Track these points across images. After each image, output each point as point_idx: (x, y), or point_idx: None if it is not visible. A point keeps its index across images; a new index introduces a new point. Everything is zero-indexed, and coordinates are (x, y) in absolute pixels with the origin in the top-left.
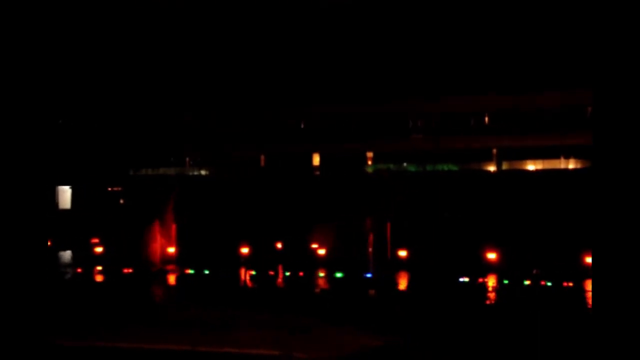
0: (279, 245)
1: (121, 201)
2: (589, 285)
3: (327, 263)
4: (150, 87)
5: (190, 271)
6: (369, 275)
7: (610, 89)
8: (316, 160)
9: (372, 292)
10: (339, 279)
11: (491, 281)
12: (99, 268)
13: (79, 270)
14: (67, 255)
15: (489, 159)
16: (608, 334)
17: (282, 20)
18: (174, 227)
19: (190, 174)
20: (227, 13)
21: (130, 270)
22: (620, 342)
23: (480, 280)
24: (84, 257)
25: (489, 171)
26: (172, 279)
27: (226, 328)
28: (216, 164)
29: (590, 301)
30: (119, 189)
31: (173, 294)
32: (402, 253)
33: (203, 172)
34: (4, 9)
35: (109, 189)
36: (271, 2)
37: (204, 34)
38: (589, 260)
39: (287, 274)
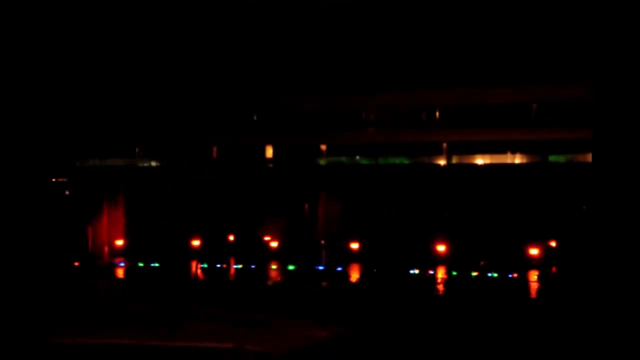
0: (231, 238)
1: (67, 193)
2: (532, 275)
3: (280, 255)
4: (97, 74)
5: (140, 264)
6: (321, 267)
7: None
8: (269, 152)
9: (324, 284)
10: (291, 271)
11: (440, 273)
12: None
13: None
14: None
15: (439, 153)
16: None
17: (232, 11)
18: (122, 219)
19: (140, 165)
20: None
21: (77, 264)
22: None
23: (430, 272)
24: None
25: (439, 165)
26: (120, 272)
27: (177, 321)
28: (167, 155)
29: (533, 291)
30: (65, 180)
31: (122, 287)
32: (354, 245)
33: (153, 164)
34: None
35: (55, 179)
36: None
37: (151, 19)
38: (532, 252)
39: (239, 266)
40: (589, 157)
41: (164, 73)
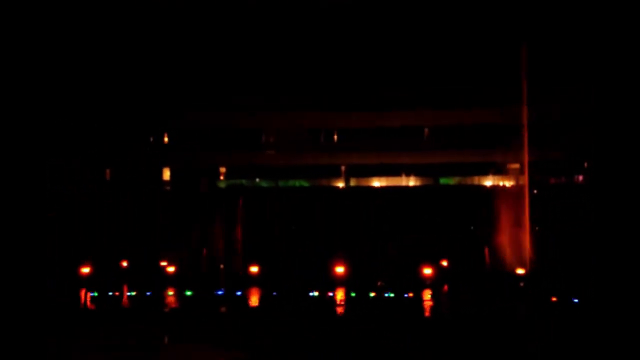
0: (124, 264)
1: None
2: (426, 295)
3: (177, 281)
4: None
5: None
6: (220, 292)
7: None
8: (166, 174)
9: (223, 309)
10: (190, 297)
11: (339, 294)
12: None
13: None
14: None
15: (338, 176)
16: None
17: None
18: None
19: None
20: None
21: None
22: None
23: (329, 293)
24: None
25: (338, 187)
26: None
27: (65, 354)
28: (52, 176)
29: (427, 310)
30: None
31: None
32: (254, 269)
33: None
34: None
35: None
36: None
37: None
38: (426, 272)
39: (133, 293)
40: (476, 180)
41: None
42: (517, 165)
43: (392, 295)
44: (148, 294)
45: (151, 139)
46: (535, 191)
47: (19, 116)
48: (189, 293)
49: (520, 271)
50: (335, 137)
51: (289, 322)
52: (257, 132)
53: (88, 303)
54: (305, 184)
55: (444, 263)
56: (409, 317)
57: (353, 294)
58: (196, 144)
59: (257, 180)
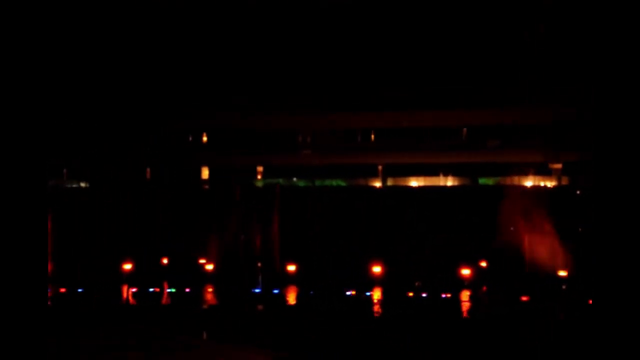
0: (165, 261)
1: None
2: (464, 295)
3: (215, 278)
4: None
5: (65, 290)
6: (257, 290)
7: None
8: (205, 174)
9: (260, 307)
10: (227, 294)
11: (376, 294)
12: None
13: None
14: None
15: (374, 175)
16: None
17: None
18: (48, 242)
19: (68, 186)
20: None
21: None
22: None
23: (366, 293)
24: None
25: (375, 187)
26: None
27: (106, 350)
28: (96, 176)
29: (464, 310)
30: None
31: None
32: (291, 268)
33: (82, 185)
34: None
35: None
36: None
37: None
38: (464, 272)
39: (173, 290)
40: (516, 180)
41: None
42: (559, 166)
43: (429, 295)
44: (187, 290)
45: (190, 139)
46: (577, 192)
47: (50, 116)
48: (227, 290)
49: (562, 273)
50: (372, 136)
51: (326, 321)
52: (294, 132)
53: (130, 299)
54: (342, 183)
55: (483, 264)
56: (447, 318)
57: (390, 294)
58: (234, 143)
59: (294, 179)
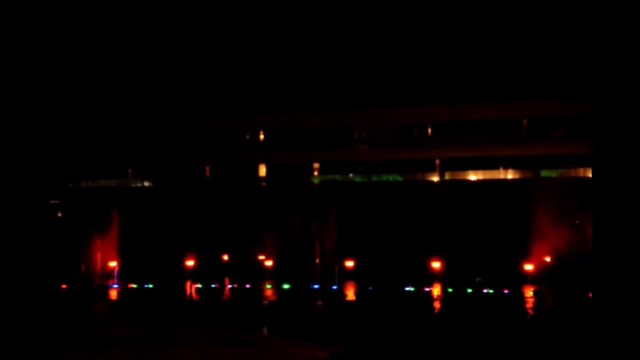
0: (225, 258)
1: (59, 214)
2: (526, 291)
3: (275, 274)
4: (92, 93)
5: (134, 285)
6: (316, 286)
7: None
8: (262, 171)
9: (319, 303)
10: (286, 290)
11: (436, 290)
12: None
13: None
14: None
15: (432, 170)
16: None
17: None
18: (115, 240)
19: (133, 185)
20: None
21: (66, 287)
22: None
23: (426, 289)
24: None
25: (432, 181)
26: (113, 294)
27: (169, 344)
28: (159, 176)
29: (527, 306)
30: (57, 201)
31: (113, 310)
32: (349, 264)
33: (146, 184)
34: None
35: (49, 201)
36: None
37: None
38: (527, 267)
39: (234, 286)
40: (580, 172)
41: (156, 94)
42: None
43: (491, 291)
44: (247, 286)
45: (247, 137)
46: None
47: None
48: (286, 286)
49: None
50: (429, 130)
51: (384, 316)
52: (350, 128)
53: (193, 294)
54: (399, 178)
55: (547, 259)
56: (510, 314)
57: (450, 290)
58: (290, 141)
59: (351, 175)
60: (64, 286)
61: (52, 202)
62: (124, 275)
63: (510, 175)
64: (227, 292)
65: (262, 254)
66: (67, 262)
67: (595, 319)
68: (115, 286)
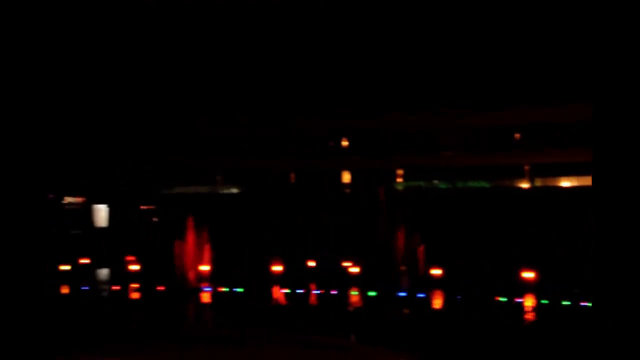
0: (311, 264)
1: (154, 219)
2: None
3: (360, 281)
4: (180, 103)
5: (224, 289)
6: (402, 294)
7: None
8: (346, 177)
9: (406, 311)
10: (372, 297)
11: (528, 301)
12: (134, 286)
13: (115, 287)
14: (103, 273)
15: (521, 176)
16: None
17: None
18: (207, 245)
19: (222, 191)
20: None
21: (163, 288)
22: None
23: (517, 299)
24: (120, 275)
25: (522, 188)
26: (205, 297)
27: (254, 345)
28: (247, 181)
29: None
30: (152, 207)
31: (203, 312)
32: (436, 271)
33: (234, 190)
34: None
35: (143, 207)
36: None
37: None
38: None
39: (320, 292)
40: None
41: (237, 99)
42: None
43: (589, 304)
44: (333, 292)
45: (331, 143)
46: None
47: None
48: (372, 293)
49: None
50: (518, 134)
51: (473, 327)
52: (434, 132)
53: (280, 298)
54: (485, 184)
55: None
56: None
57: (544, 301)
58: (374, 146)
59: (435, 181)
60: (161, 288)
61: (146, 208)
62: (215, 279)
63: None
64: (312, 297)
65: (347, 260)
66: (163, 265)
67: None
68: (207, 289)
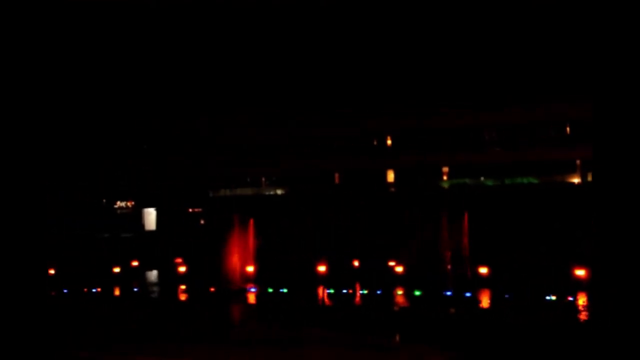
0: (356, 263)
1: (202, 222)
2: None
3: (406, 281)
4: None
5: (269, 289)
6: (448, 293)
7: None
8: (390, 176)
9: (452, 310)
10: (418, 297)
11: (581, 299)
12: (183, 287)
13: (164, 289)
14: (153, 274)
15: (572, 171)
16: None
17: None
18: (252, 246)
19: (267, 193)
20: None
21: (212, 290)
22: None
23: (569, 298)
24: (169, 277)
25: (573, 183)
26: (251, 297)
27: (299, 345)
28: (291, 182)
29: None
30: (200, 210)
31: (250, 312)
32: (483, 270)
33: (279, 192)
34: None
35: (191, 210)
36: None
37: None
38: None
39: (365, 292)
40: None
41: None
42: None
43: None
44: (378, 292)
45: (374, 142)
46: None
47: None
48: (417, 293)
49: None
50: (567, 128)
51: (522, 327)
52: (480, 129)
53: (325, 299)
54: (534, 181)
55: None
56: None
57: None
58: (419, 144)
59: (482, 179)
60: (212, 289)
61: (194, 210)
62: (261, 279)
63: None
64: (358, 297)
65: (392, 259)
66: (211, 266)
67: None
68: (253, 290)
